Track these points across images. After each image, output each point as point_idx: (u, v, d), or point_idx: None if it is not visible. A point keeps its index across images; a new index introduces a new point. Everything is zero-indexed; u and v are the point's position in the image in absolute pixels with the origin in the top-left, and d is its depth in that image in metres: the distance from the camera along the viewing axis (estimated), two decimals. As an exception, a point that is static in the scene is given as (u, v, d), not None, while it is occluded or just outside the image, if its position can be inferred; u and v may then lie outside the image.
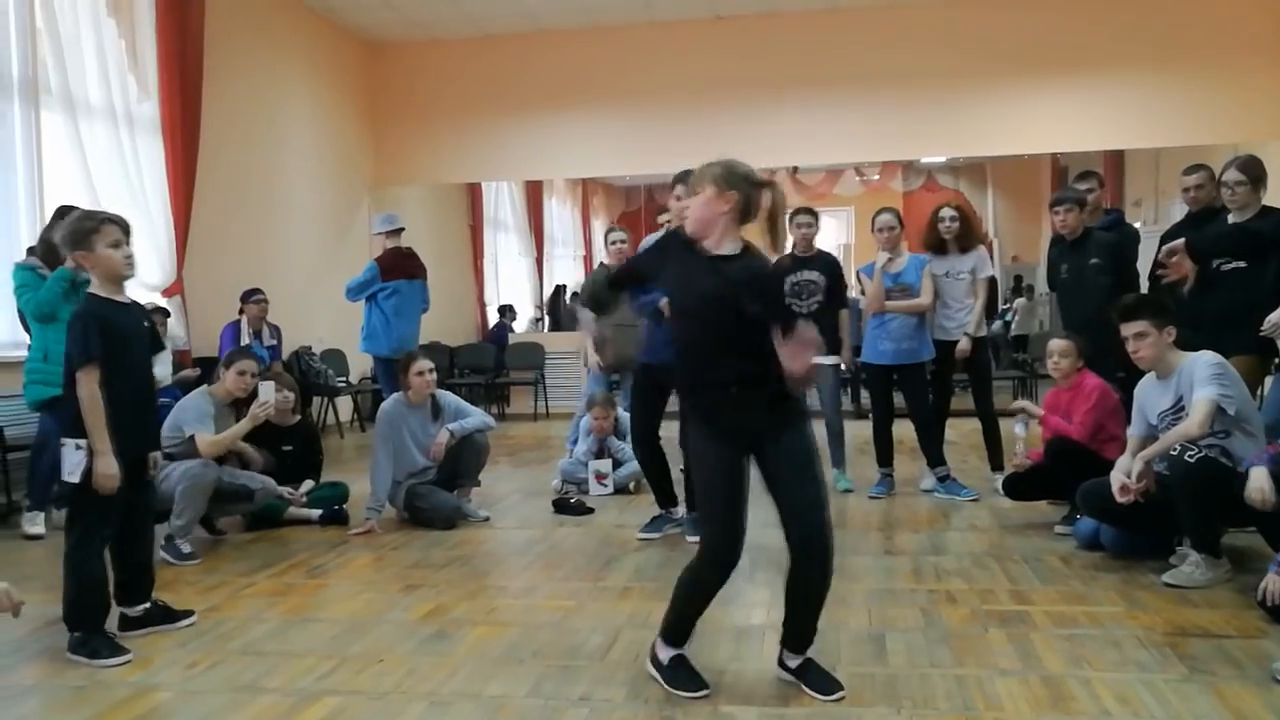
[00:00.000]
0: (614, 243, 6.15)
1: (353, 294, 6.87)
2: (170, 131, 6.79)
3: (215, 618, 3.49)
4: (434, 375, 5.02)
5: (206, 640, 3.26)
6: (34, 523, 4.94)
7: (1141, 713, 2.52)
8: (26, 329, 5.15)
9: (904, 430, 5.48)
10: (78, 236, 3.16)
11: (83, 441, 3.06)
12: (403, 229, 7.04)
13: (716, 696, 2.68)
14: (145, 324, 3.33)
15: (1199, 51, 8.46)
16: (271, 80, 8.35)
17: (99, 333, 3.08)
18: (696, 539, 4.42)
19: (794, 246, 5.71)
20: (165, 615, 3.41)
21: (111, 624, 3.27)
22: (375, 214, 7.52)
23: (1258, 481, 3.28)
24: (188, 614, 3.47)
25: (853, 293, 5.70)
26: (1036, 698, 2.62)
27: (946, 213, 5.45)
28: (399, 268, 6.89)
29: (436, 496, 4.94)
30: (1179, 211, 5.26)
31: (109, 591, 3.25)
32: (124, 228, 3.18)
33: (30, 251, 5.14)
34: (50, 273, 4.93)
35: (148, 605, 3.38)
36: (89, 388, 3.07)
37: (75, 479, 3.07)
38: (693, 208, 2.70)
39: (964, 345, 5.32)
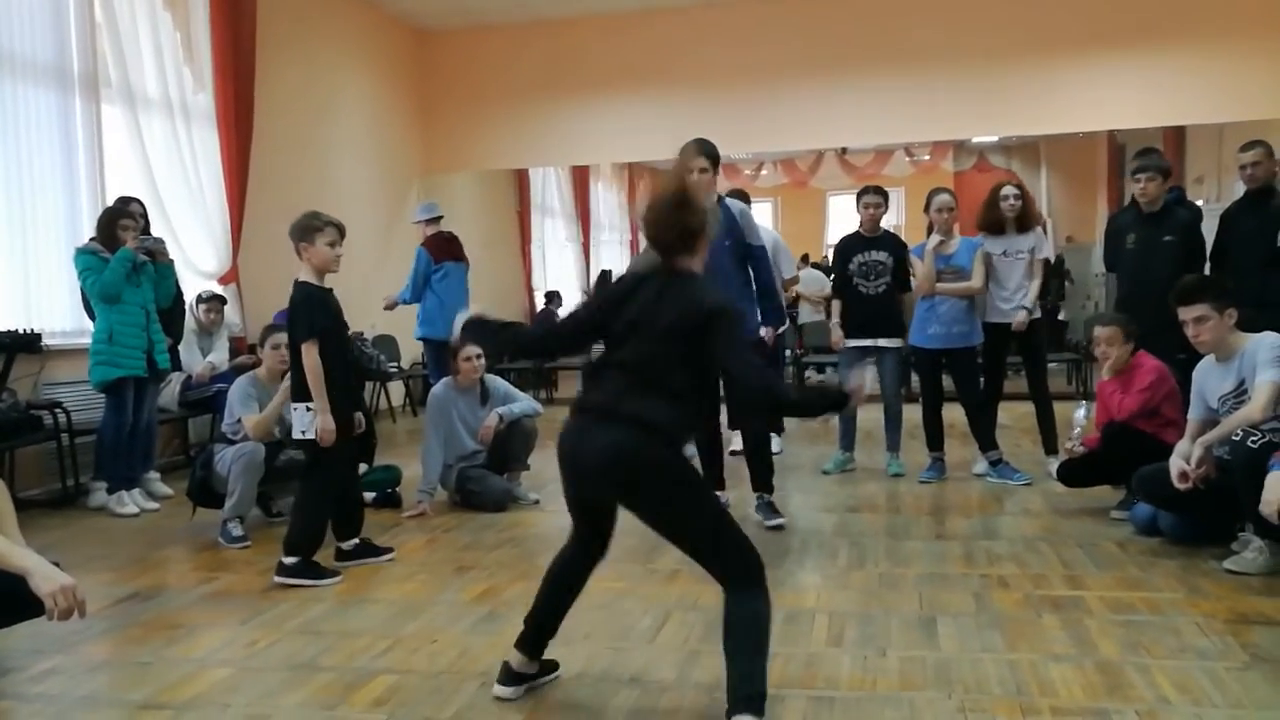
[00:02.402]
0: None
1: (412, 289, 7.02)
2: (225, 122, 6.92)
3: (273, 598, 3.57)
4: (482, 361, 5.08)
5: (265, 620, 3.34)
6: (121, 503, 5.12)
7: (1202, 701, 2.47)
8: (91, 314, 5.31)
9: (955, 414, 5.41)
10: (304, 231, 3.75)
11: (312, 404, 3.67)
12: (441, 216, 7.16)
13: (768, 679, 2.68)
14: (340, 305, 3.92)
15: (1260, 23, 8.16)
16: (322, 70, 8.45)
17: (324, 311, 3.75)
18: (776, 522, 4.39)
19: (860, 226, 5.64)
20: (371, 550, 4.03)
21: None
22: (417, 203, 7.65)
23: (1272, 494, 3.19)
24: (389, 550, 4.08)
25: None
26: (1092, 684, 2.59)
27: (1010, 190, 5.33)
28: (444, 250, 7.05)
29: (487, 480, 5.00)
30: (1242, 189, 5.11)
31: (325, 530, 3.86)
32: (341, 231, 3.82)
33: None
34: (111, 256, 5.07)
35: (357, 540, 4.00)
36: (313, 358, 3.68)
37: (310, 435, 3.70)
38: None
39: (1021, 319, 5.22)
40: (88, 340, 5.37)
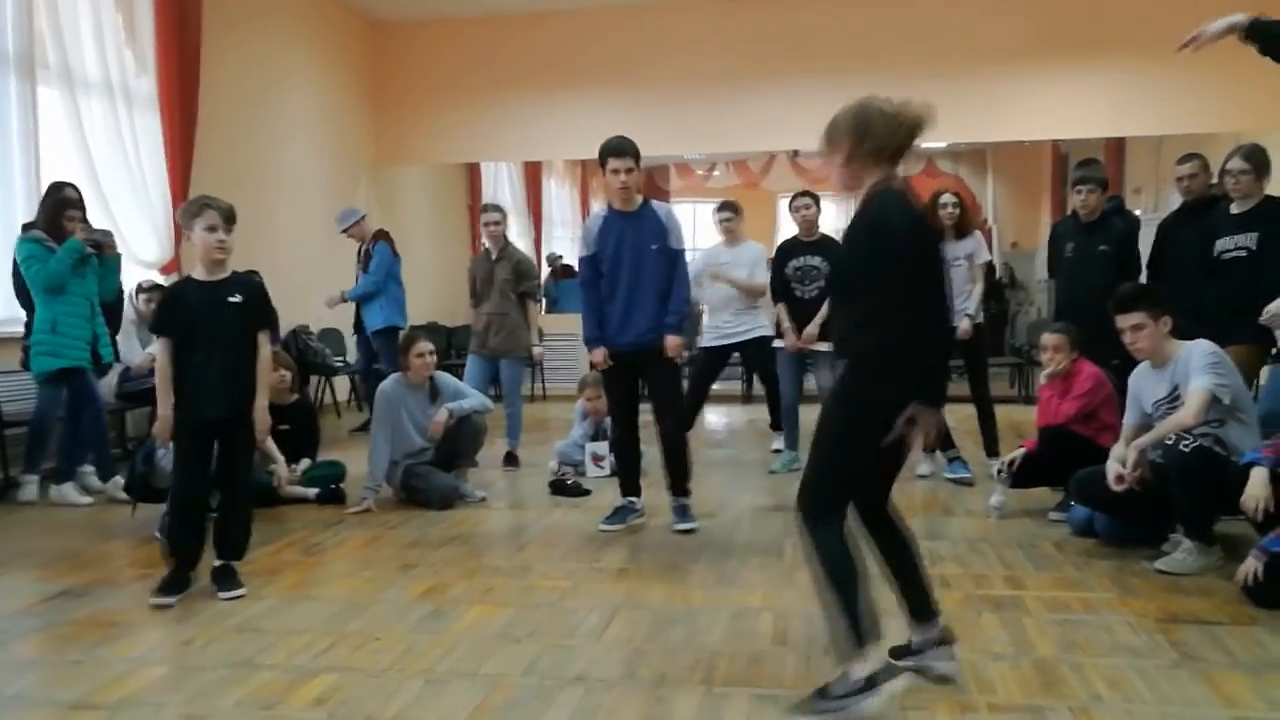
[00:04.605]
0: (486, 223, 6.15)
1: (376, 284, 7.06)
2: (168, 108, 6.75)
3: (211, 595, 3.49)
4: (434, 358, 5.04)
5: (203, 617, 3.27)
6: (62, 496, 5.04)
7: (1132, 698, 2.54)
8: (23, 304, 5.15)
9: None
10: (184, 216, 3.53)
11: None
12: (364, 215, 7.35)
13: (711, 678, 2.70)
14: (234, 299, 3.53)
15: (1202, 39, 8.41)
16: (270, 57, 8.29)
17: (165, 309, 3.58)
18: (687, 526, 4.33)
19: (798, 230, 5.74)
20: (222, 581, 3.53)
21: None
22: (364, 197, 7.60)
23: (1255, 488, 3.27)
24: (238, 589, 3.49)
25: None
26: (1028, 681, 2.64)
27: (948, 199, 5.43)
28: (392, 243, 7.24)
29: (434, 477, 4.95)
30: (1179, 200, 5.25)
31: (184, 539, 3.52)
32: (224, 215, 3.49)
33: (27, 228, 5.12)
34: (56, 245, 4.93)
35: (217, 564, 3.57)
36: (160, 356, 3.52)
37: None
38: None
39: (965, 327, 5.30)
40: (18, 329, 5.21)
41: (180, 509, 3.52)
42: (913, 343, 2.38)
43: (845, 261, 2.57)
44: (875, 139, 2.45)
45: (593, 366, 4.56)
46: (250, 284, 3.69)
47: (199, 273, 3.55)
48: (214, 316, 3.47)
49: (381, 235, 7.28)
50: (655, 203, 4.46)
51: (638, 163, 4.29)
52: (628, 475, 4.52)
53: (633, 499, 4.50)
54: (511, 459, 6.08)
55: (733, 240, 6.11)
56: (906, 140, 2.47)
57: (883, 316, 2.38)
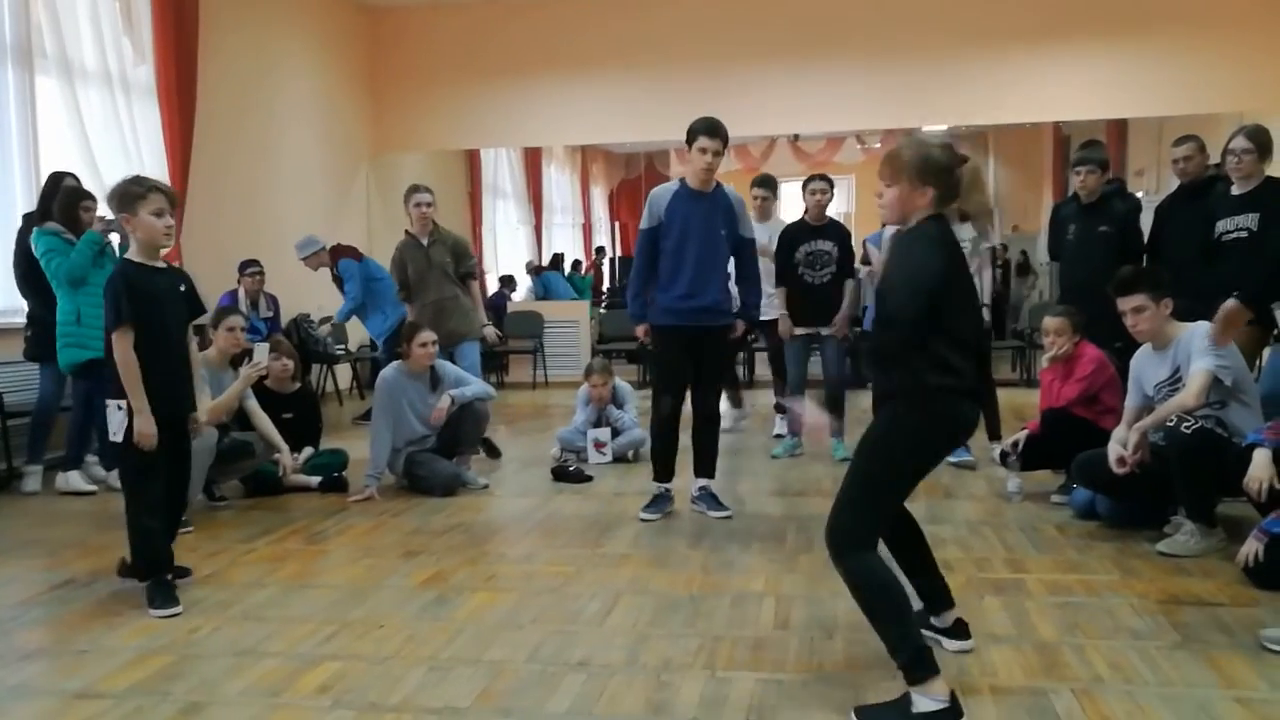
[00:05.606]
0: (418, 204, 5.74)
1: (359, 295, 7.00)
2: (166, 97, 6.74)
3: (216, 583, 3.51)
4: (436, 347, 5.04)
5: (207, 606, 3.28)
6: (71, 481, 5.09)
7: (1134, 679, 2.54)
8: (25, 294, 5.15)
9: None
10: (125, 199, 3.25)
11: (124, 402, 3.21)
12: (324, 245, 7.27)
13: (714, 663, 2.71)
14: (182, 288, 3.40)
15: (1204, 20, 8.36)
16: (269, 45, 8.26)
17: (130, 296, 3.20)
18: (723, 514, 4.33)
19: (806, 214, 5.68)
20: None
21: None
22: (366, 183, 7.49)
23: (1258, 470, 3.25)
24: (185, 572, 3.51)
25: (857, 263, 5.67)
26: (1030, 664, 2.65)
27: None
28: (357, 253, 7.23)
29: (436, 464, 4.96)
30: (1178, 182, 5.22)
31: (165, 544, 3.34)
32: (170, 198, 3.31)
33: (27, 218, 5.12)
34: (74, 238, 4.93)
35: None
36: (122, 349, 3.20)
37: (119, 438, 3.23)
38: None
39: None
40: (20, 319, 5.21)
41: (157, 512, 3.29)
42: (953, 383, 2.39)
43: (887, 292, 2.48)
44: (935, 179, 2.45)
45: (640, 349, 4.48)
46: (186, 275, 3.54)
47: (138, 258, 3.31)
48: (175, 307, 3.35)
49: (340, 252, 7.24)
50: (727, 187, 4.37)
51: (725, 146, 4.21)
52: (667, 460, 4.42)
53: (668, 486, 4.45)
54: (488, 446, 5.85)
55: (763, 216, 6.19)
56: (958, 189, 2.48)
57: (920, 354, 2.36)
